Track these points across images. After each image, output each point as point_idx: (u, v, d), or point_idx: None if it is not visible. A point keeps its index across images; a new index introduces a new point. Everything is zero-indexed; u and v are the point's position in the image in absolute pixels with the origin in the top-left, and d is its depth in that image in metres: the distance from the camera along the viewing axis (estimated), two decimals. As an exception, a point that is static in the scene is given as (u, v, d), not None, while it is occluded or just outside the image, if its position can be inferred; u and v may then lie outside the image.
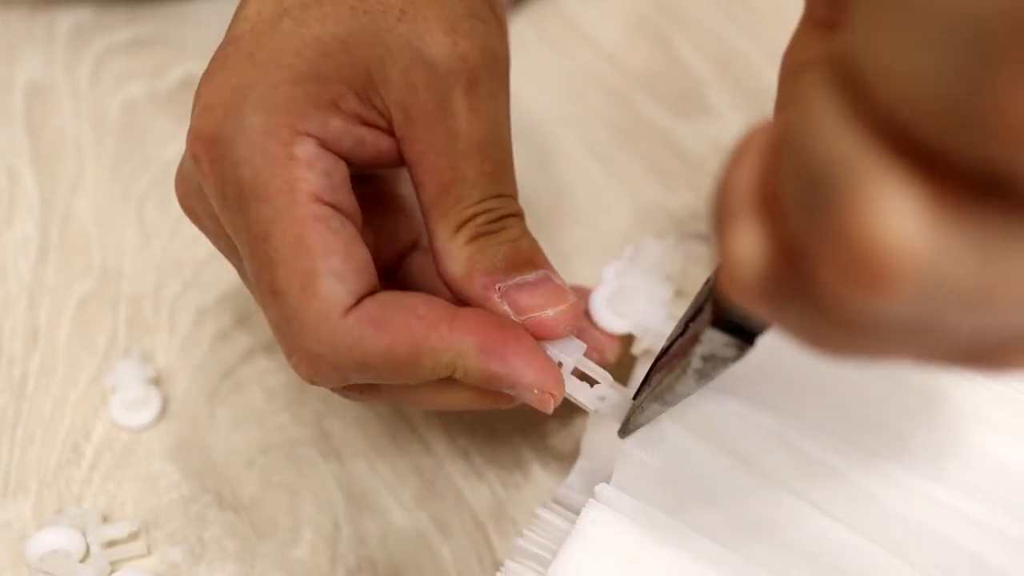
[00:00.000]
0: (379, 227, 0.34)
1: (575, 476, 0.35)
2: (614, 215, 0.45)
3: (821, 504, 0.30)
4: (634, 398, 0.32)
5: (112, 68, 0.50)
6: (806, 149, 0.16)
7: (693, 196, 0.45)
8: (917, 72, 0.14)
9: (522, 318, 0.30)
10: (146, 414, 0.38)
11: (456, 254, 0.31)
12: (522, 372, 0.29)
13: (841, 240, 0.15)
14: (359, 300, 0.29)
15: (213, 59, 0.31)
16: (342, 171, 0.30)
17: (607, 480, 0.32)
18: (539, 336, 0.31)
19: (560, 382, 0.30)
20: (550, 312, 0.30)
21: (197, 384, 0.39)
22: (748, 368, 0.27)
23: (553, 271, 0.31)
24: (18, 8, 0.52)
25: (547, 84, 0.49)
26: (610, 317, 0.35)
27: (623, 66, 0.51)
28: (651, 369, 0.31)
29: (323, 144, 0.29)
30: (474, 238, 0.30)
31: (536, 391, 0.30)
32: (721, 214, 0.19)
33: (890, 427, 0.31)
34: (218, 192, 0.29)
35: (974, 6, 0.13)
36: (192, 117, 0.30)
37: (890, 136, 0.15)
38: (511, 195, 0.31)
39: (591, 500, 0.31)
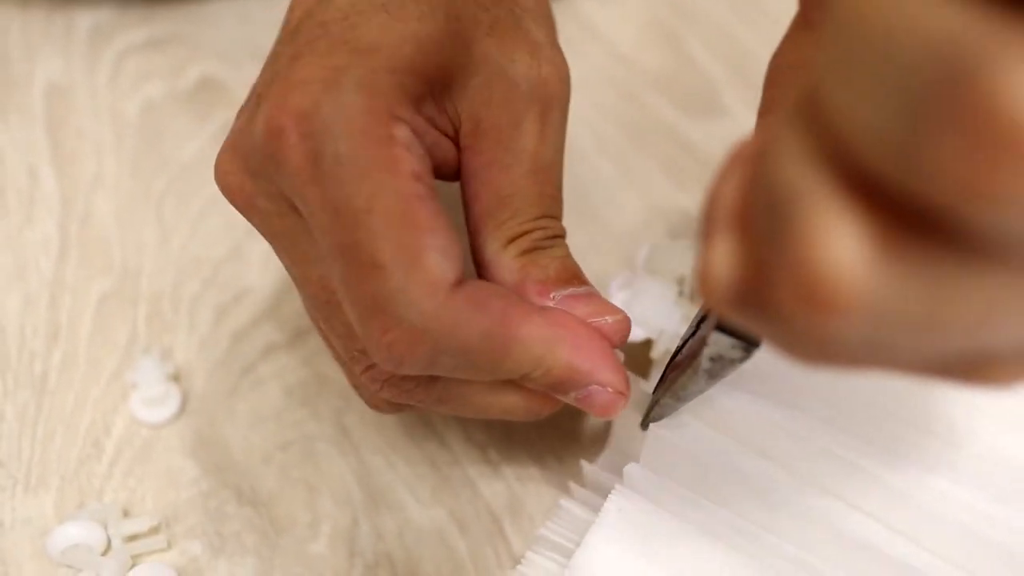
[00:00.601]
0: None
1: (603, 461, 0.35)
2: (627, 214, 0.45)
3: (836, 492, 0.30)
4: (653, 393, 0.33)
5: (131, 68, 0.50)
6: (769, 175, 0.17)
7: (707, 196, 0.46)
8: (867, 114, 0.15)
9: None
10: (166, 410, 0.39)
11: (508, 264, 0.31)
12: (602, 370, 0.30)
13: (793, 265, 0.16)
14: (460, 281, 0.28)
15: (288, 41, 0.30)
16: (429, 162, 0.29)
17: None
18: None
19: (629, 386, 0.31)
20: (608, 319, 0.31)
21: (216, 381, 0.40)
22: (759, 364, 0.28)
23: (596, 290, 0.33)
24: (37, 8, 0.52)
25: (561, 84, 0.50)
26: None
27: (636, 66, 0.51)
28: (667, 367, 0.32)
29: (415, 133, 0.29)
30: (527, 251, 0.32)
31: (611, 390, 0.30)
32: (704, 223, 0.20)
33: (900, 420, 0.32)
34: (307, 166, 0.28)
35: (914, 61, 0.14)
36: (272, 93, 0.29)
37: (842, 171, 0.16)
38: (560, 218, 0.33)
39: (617, 486, 0.31)
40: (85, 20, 0.52)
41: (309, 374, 0.40)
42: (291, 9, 0.32)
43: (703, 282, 0.19)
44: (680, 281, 0.39)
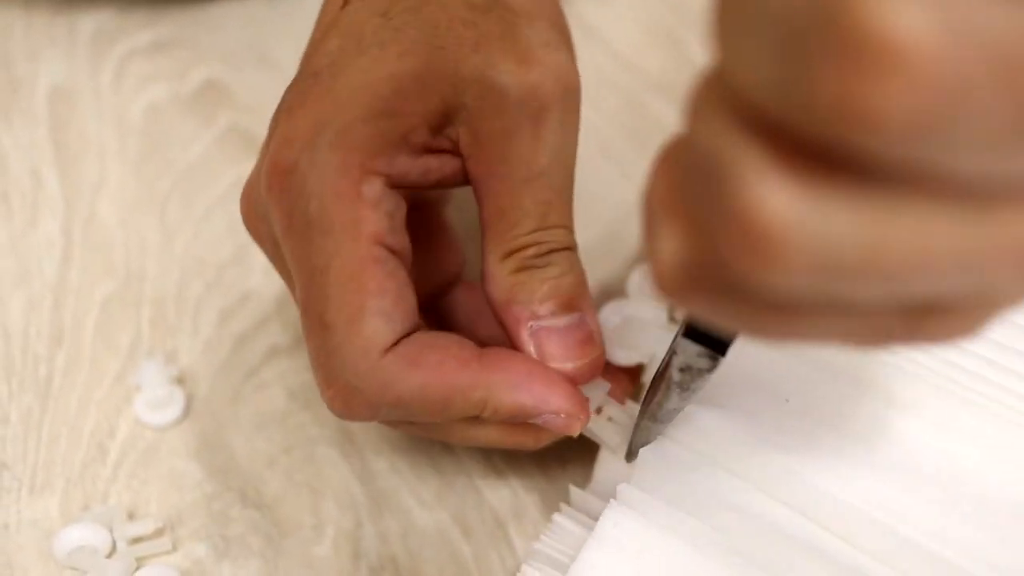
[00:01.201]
0: (424, 258, 0.34)
1: (592, 488, 0.35)
2: (629, 218, 0.45)
3: (801, 511, 0.31)
4: (636, 422, 0.33)
5: (134, 71, 0.50)
6: (692, 147, 0.18)
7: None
8: (752, 61, 0.16)
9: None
10: (170, 413, 0.39)
11: (500, 281, 0.32)
12: (547, 400, 0.31)
13: (729, 222, 0.17)
14: (399, 340, 0.30)
15: (290, 91, 0.32)
16: (403, 211, 0.31)
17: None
18: None
19: (585, 404, 0.32)
20: (568, 366, 0.32)
21: (220, 384, 0.40)
22: (720, 376, 0.29)
23: (590, 311, 0.32)
24: (40, 11, 0.53)
25: (564, 87, 0.50)
26: (618, 351, 0.35)
27: (638, 69, 0.51)
28: (647, 392, 0.32)
29: (390, 181, 0.31)
30: (519, 270, 0.32)
31: (563, 416, 0.31)
32: (644, 219, 0.20)
33: (848, 427, 0.32)
34: (285, 221, 0.30)
35: (780, 8, 0.15)
36: (269, 148, 0.31)
37: (751, 125, 0.17)
38: (565, 226, 0.32)
39: (612, 501, 0.31)
40: (88, 23, 0.52)
41: (312, 378, 0.40)
42: (304, 55, 0.34)
43: (655, 275, 0.20)
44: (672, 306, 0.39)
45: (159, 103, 0.49)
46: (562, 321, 0.32)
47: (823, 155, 0.16)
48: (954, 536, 0.30)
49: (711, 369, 0.27)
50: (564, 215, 0.32)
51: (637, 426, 0.32)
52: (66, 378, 0.40)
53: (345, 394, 0.30)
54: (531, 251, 0.32)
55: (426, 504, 0.37)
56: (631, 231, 0.45)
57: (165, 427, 0.39)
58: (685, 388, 0.28)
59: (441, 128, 0.31)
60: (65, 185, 0.46)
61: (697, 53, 0.51)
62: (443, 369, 0.30)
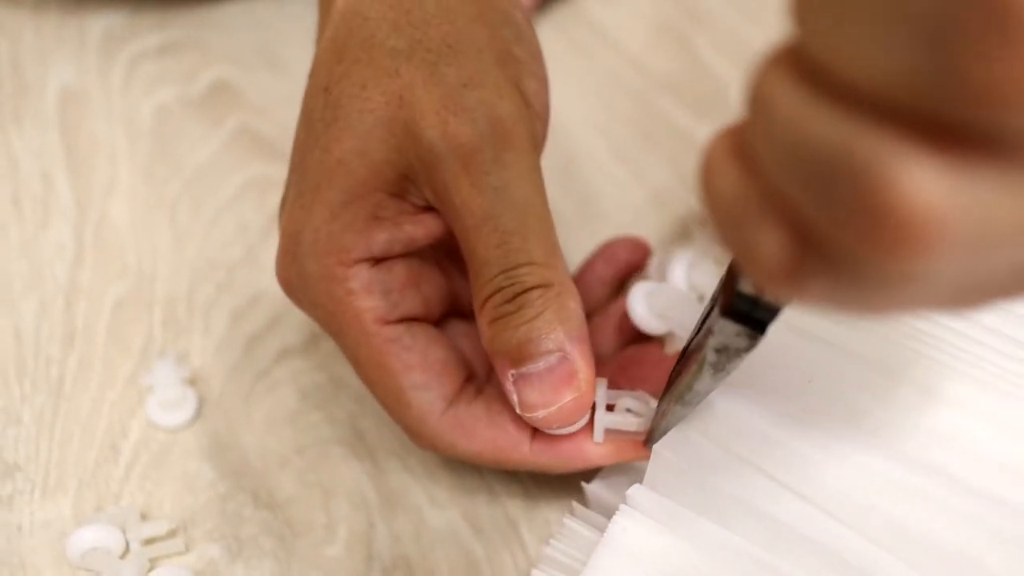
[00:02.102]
0: (427, 288, 0.35)
1: (604, 480, 0.35)
2: (640, 218, 0.45)
3: (818, 501, 0.30)
4: (657, 407, 0.33)
5: (143, 73, 0.50)
6: (805, 145, 0.17)
7: (719, 198, 0.46)
8: (883, 56, 0.16)
9: (525, 415, 0.32)
10: (182, 414, 0.39)
11: (483, 332, 0.32)
12: (598, 463, 0.34)
13: (874, 215, 0.16)
14: (453, 401, 0.33)
15: (284, 190, 0.34)
16: (400, 276, 0.33)
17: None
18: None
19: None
20: (542, 414, 0.32)
21: (232, 385, 0.40)
22: (752, 365, 0.29)
23: (572, 344, 0.32)
24: (49, 14, 0.53)
25: (571, 89, 0.50)
26: (649, 317, 0.35)
27: (647, 70, 0.51)
28: (672, 372, 0.32)
29: (376, 262, 0.32)
30: (494, 320, 0.32)
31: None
32: (726, 225, 0.20)
33: (869, 412, 0.32)
34: (314, 321, 0.34)
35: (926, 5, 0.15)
36: (279, 240, 0.34)
37: (881, 114, 0.16)
38: (531, 263, 0.31)
39: (622, 506, 0.31)
40: (97, 25, 0.52)
41: (324, 378, 0.40)
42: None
43: (760, 275, 0.19)
44: (694, 287, 0.39)
45: (168, 105, 0.49)
46: (540, 365, 0.31)
47: (965, 136, 0.16)
48: (974, 528, 0.30)
49: (749, 348, 0.27)
50: (529, 253, 0.31)
51: (661, 410, 0.32)
52: (78, 379, 0.40)
53: (421, 444, 0.34)
54: (497, 298, 0.31)
55: (438, 504, 0.37)
56: (641, 229, 0.45)
57: (177, 428, 0.39)
58: (720, 369, 0.28)
59: (405, 192, 0.32)
60: (76, 188, 0.46)
61: (707, 53, 0.51)
62: (496, 446, 0.33)
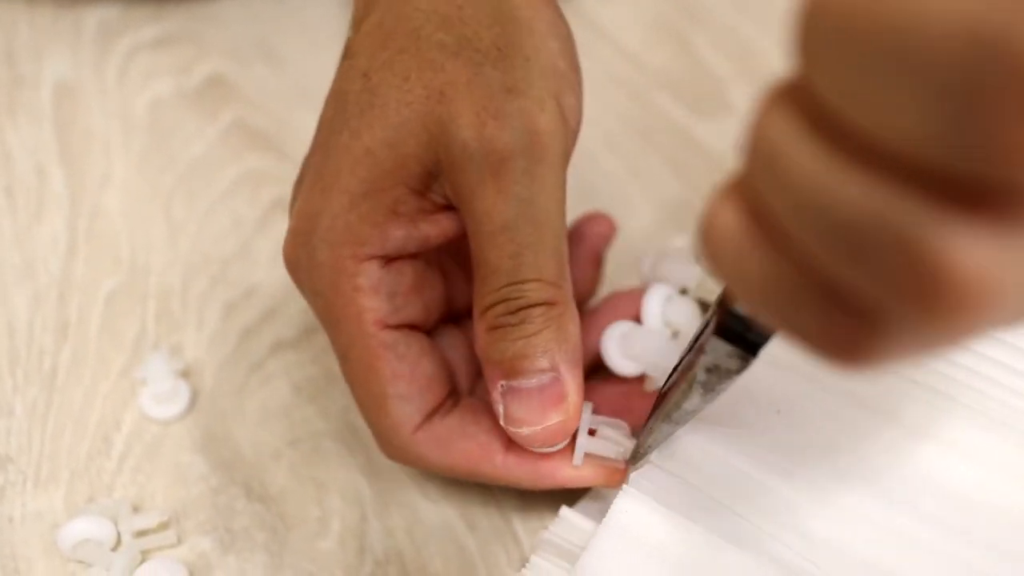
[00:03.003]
0: (429, 294, 0.35)
1: (583, 507, 0.35)
2: (637, 214, 0.45)
3: (777, 535, 0.30)
4: (644, 426, 0.32)
5: (139, 66, 0.50)
6: (830, 211, 0.16)
7: (715, 194, 0.46)
8: (918, 122, 0.15)
9: (509, 429, 0.32)
10: (175, 407, 0.39)
11: (479, 338, 0.32)
12: (572, 483, 0.34)
13: (928, 289, 0.16)
14: (430, 415, 0.33)
15: (302, 167, 0.34)
16: (408, 279, 0.33)
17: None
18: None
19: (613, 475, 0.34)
20: (526, 431, 0.32)
21: (225, 377, 0.40)
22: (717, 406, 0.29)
23: (566, 366, 0.31)
24: (44, 7, 0.52)
25: (569, 83, 0.50)
26: (622, 361, 0.35)
27: (644, 66, 0.51)
28: (661, 390, 0.32)
29: (388, 259, 0.32)
30: (492, 328, 0.31)
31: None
32: (765, 307, 0.19)
33: (846, 451, 0.32)
34: (309, 305, 0.33)
35: (941, 54, 0.14)
36: (288, 226, 0.33)
37: (916, 176, 0.16)
38: (539, 279, 0.31)
39: (624, 487, 0.31)
40: (93, 18, 0.52)
41: (318, 371, 0.40)
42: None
43: (820, 355, 0.18)
44: (683, 290, 0.39)
45: (164, 98, 0.49)
46: (532, 381, 0.31)
47: (1002, 195, 0.16)
48: (958, 558, 0.29)
49: (740, 370, 0.27)
50: (540, 269, 0.31)
51: (648, 427, 0.32)
52: (71, 371, 0.40)
53: (388, 454, 0.34)
54: (500, 308, 0.31)
55: (431, 498, 0.37)
56: (636, 225, 0.45)
57: (170, 420, 0.39)
58: (710, 389, 0.28)
59: (427, 188, 0.32)
60: (70, 180, 0.46)
61: (703, 50, 0.51)
62: (469, 458, 0.33)
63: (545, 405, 0.31)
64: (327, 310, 0.32)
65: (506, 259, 0.31)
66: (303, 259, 0.32)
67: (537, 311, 0.31)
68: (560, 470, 0.33)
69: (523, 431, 0.32)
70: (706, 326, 0.28)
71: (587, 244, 0.39)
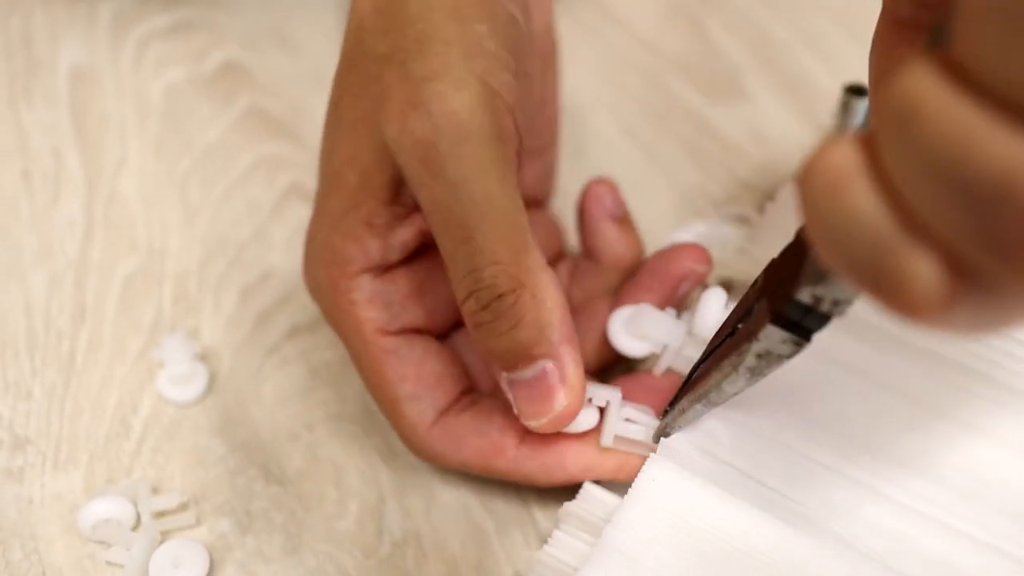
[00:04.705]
0: (431, 299, 0.35)
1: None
2: (651, 200, 0.45)
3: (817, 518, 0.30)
4: (671, 404, 0.32)
5: (154, 53, 0.50)
6: (965, 163, 0.16)
7: (730, 180, 0.46)
8: None
9: (526, 423, 0.32)
10: (193, 389, 0.39)
11: (472, 334, 0.32)
12: (584, 476, 0.34)
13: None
14: (444, 412, 0.34)
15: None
16: (402, 287, 0.34)
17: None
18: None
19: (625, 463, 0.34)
20: (532, 424, 0.32)
21: (242, 360, 0.40)
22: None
23: (555, 347, 0.31)
24: (60, -6, 0.53)
25: (582, 70, 0.50)
26: (630, 341, 0.35)
27: (658, 51, 0.51)
28: (692, 372, 0.32)
29: (377, 272, 0.33)
30: (476, 326, 0.31)
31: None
32: (860, 252, 0.18)
33: (878, 436, 0.32)
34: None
35: None
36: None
37: None
38: (498, 262, 0.30)
39: (652, 455, 0.31)
40: (108, 4, 0.52)
41: (334, 356, 0.40)
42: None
43: (907, 306, 0.18)
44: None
45: (178, 84, 0.49)
46: (527, 373, 0.31)
47: None
48: (981, 540, 0.30)
49: (792, 355, 0.27)
50: (494, 252, 0.30)
51: (679, 408, 0.31)
52: (89, 354, 0.40)
53: (412, 450, 0.35)
54: (472, 304, 0.31)
55: (449, 480, 0.37)
56: (651, 209, 0.45)
57: (188, 403, 0.39)
58: (757, 373, 0.28)
59: (397, 196, 0.32)
60: (86, 164, 0.46)
61: (718, 34, 0.51)
62: (482, 453, 0.34)
63: (545, 395, 0.31)
64: (334, 326, 0.35)
65: (459, 247, 0.30)
66: (310, 283, 0.35)
67: (507, 301, 0.30)
68: (567, 461, 0.34)
69: (532, 423, 0.32)
70: (747, 312, 0.28)
71: (592, 212, 0.38)
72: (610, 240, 0.38)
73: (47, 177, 0.46)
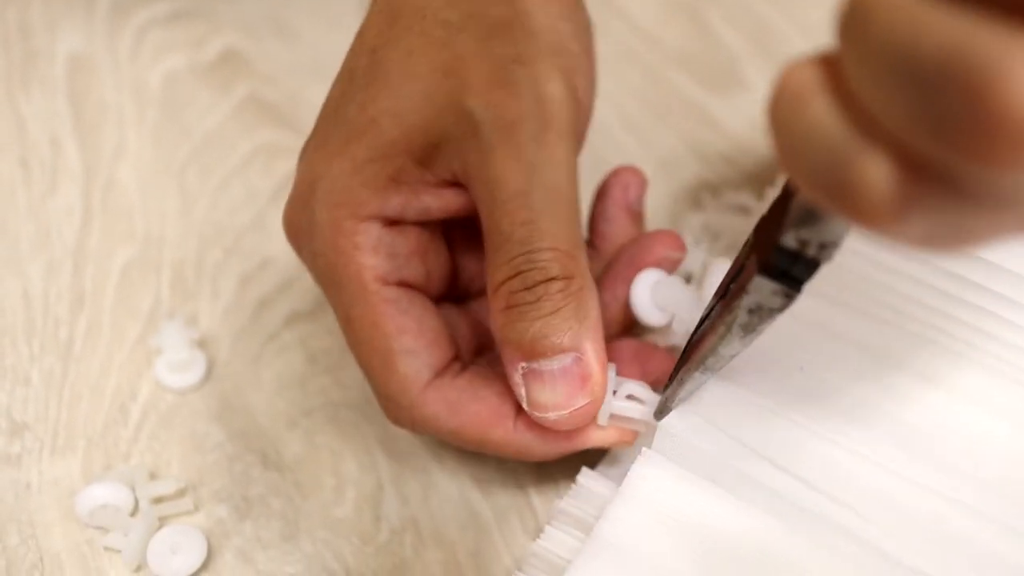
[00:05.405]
0: (432, 262, 0.34)
1: (602, 470, 0.35)
2: (652, 191, 0.45)
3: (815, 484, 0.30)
4: (670, 378, 0.32)
5: (152, 41, 0.50)
6: (911, 49, 0.17)
7: (730, 170, 0.46)
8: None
9: (535, 414, 0.31)
10: (191, 376, 0.39)
11: (495, 317, 0.31)
12: (580, 447, 0.33)
13: (991, 124, 0.16)
14: (439, 374, 0.32)
15: (307, 140, 0.34)
16: (410, 242, 0.33)
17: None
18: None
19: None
20: (552, 416, 0.31)
21: (240, 347, 0.40)
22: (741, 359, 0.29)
23: (588, 344, 0.31)
24: (58, -18, 0.52)
25: (583, 59, 0.50)
26: (651, 308, 0.35)
27: (658, 42, 0.51)
28: (688, 343, 0.32)
29: (387, 222, 0.32)
30: (509, 307, 0.31)
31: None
32: (816, 160, 0.19)
33: (870, 406, 0.32)
34: (309, 271, 0.34)
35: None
36: (291, 189, 0.34)
37: (1001, 4, 0.16)
38: (555, 248, 0.30)
39: (644, 450, 0.31)
40: (106, -7, 0.52)
41: (332, 343, 0.40)
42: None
43: (864, 208, 0.18)
44: (688, 277, 0.39)
45: (177, 72, 0.49)
46: (554, 364, 0.30)
47: None
48: (970, 506, 0.30)
49: (783, 308, 0.26)
50: (555, 237, 0.30)
51: (679, 380, 0.31)
52: (87, 341, 0.40)
53: (394, 417, 0.33)
54: (516, 282, 0.30)
55: (447, 467, 0.37)
56: (651, 200, 0.44)
57: (186, 390, 0.39)
58: (750, 330, 0.28)
59: (430, 161, 0.32)
60: (84, 152, 0.46)
61: (717, 26, 0.51)
62: (480, 421, 0.32)
63: (570, 388, 0.31)
64: (327, 271, 0.32)
65: (519, 227, 0.30)
66: (303, 222, 0.32)
67: (555, 287, 0.30)
68: (569, 433, 0.33)
69: (550, 416, 0.31)
70: (738, 271, 0.28)
71: (614, 197, 0.38)
72: (619, 231, 0.37)
73: (45, 166, 0.46)
